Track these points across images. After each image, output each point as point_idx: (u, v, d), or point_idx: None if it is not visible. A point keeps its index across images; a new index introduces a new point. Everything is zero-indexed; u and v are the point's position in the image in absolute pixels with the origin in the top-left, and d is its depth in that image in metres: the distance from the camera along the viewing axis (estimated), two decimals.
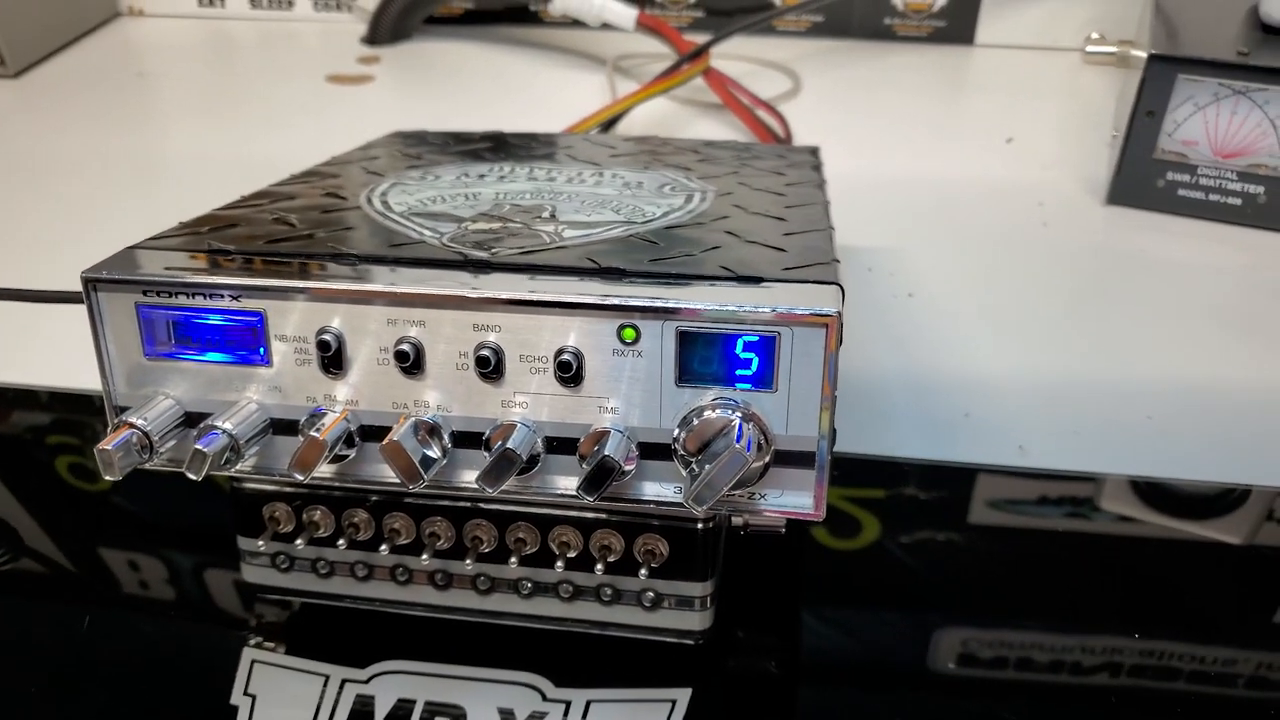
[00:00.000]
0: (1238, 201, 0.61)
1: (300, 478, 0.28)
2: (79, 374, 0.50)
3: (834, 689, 0.35)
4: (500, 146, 0.48)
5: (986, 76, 0.89)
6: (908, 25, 0.94)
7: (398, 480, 0.28)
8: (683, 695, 0.34)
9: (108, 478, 0.28)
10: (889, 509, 0.43)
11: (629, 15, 0.78)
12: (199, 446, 0.27)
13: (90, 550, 0.42)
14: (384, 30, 0.94)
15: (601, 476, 0.27)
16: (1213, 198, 0.61)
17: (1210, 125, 0.59)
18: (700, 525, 0.32)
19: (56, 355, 0.51)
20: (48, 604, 0.40)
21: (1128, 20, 0.80)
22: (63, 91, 0.86)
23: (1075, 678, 0.35)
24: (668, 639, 0.33)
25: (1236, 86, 0.58)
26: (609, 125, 0.70)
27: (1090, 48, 0.76)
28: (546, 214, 0.35)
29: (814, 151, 0.50)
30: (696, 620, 0.33)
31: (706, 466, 0.27)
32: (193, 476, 0.28)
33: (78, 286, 0.29)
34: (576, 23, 0.83)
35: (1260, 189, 0.60)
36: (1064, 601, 0.38)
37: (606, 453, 0.27)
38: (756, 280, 0.28)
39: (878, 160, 0.73)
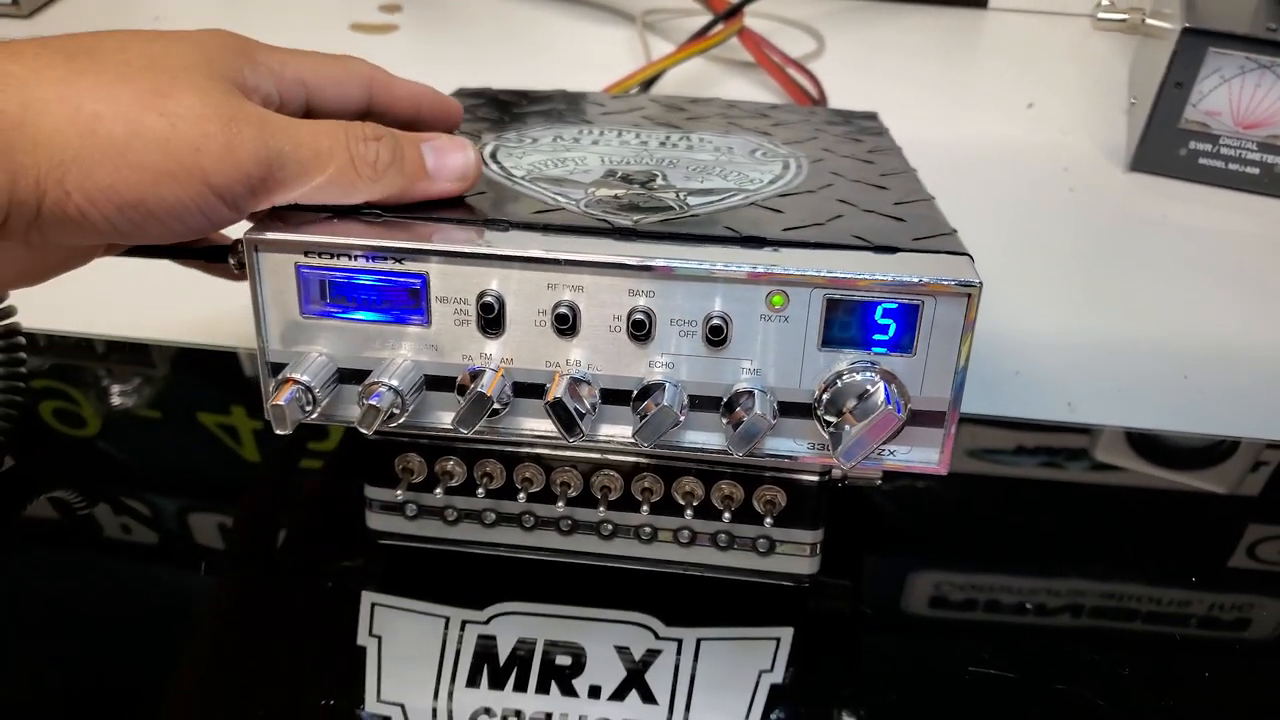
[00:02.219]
0: (1256, 171, 0.64)
1: (465, 432, 0.29)
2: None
3: (917, 630, 0.38)
4: (574, 107, 0.49)
5: (1001, 40, 0.91)
6: None
7: (548, 434, 0.30)
8: (785, 634, 0.36)
9: (279, 432, 0.29)
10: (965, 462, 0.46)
11: None
12: (371, 402, 0.29)
13: (208, 501, 0.43)
14: None
15: (749, 436, 0.29)
16: (1232, 167, 0.64)
17: (1234, 97, 0.62)
18: (817, 478, 0.34)
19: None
20: (174, 552, 0.41)
21: None
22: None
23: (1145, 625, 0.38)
24: (779, 582, 0.36)
25: (1263, 60, 0.60)
26: (647, 85, 0.71)
27: (1101, 14, 0.78)
28: (660, 181, 0.36)
29: (873, 117, 0.51)
30: (806, 565, 0.35)
31: (847, 429, 0.29)
32: (364, 431, 0.29)
33: None
34: None
35: (1278, 159, 0.63)
36: (1123, 546, 0.42)
37: (756, 411, 0.29)
38: (892, 249, 0.30)
39: (905, 123, 0.74)
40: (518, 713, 0.34)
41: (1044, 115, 0.77)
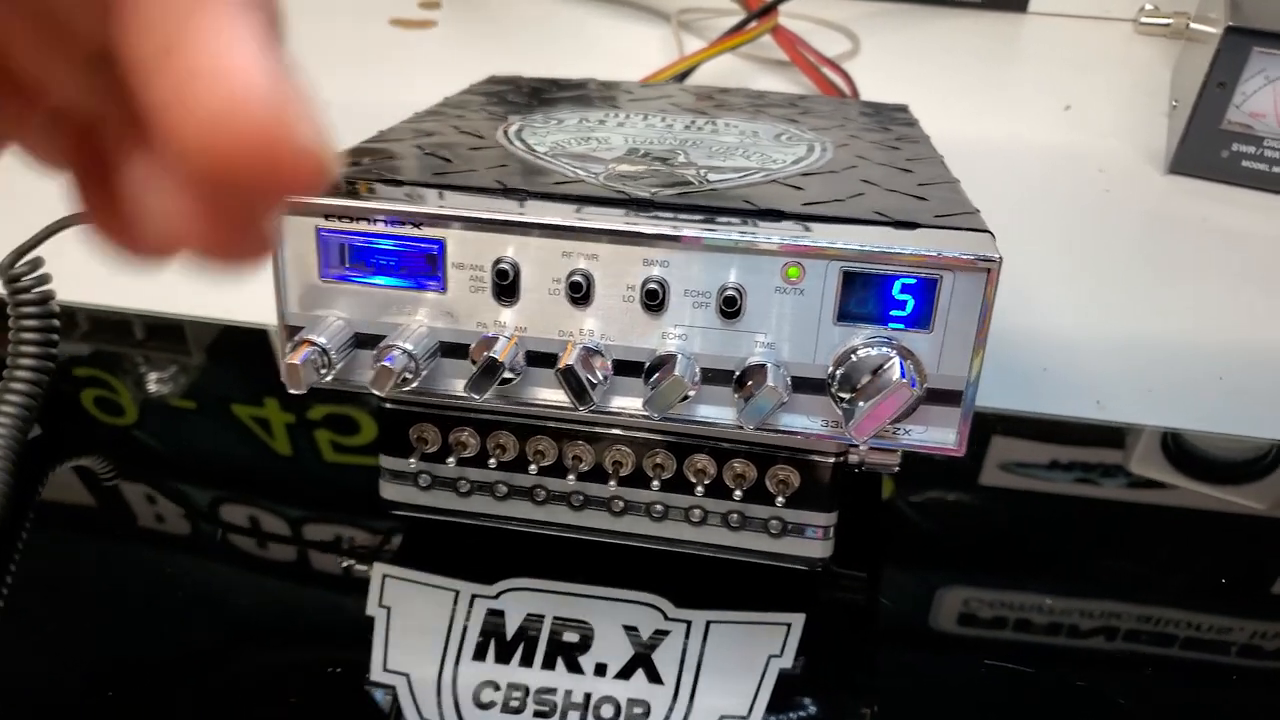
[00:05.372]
0: None
1: (477, 398, 0.30)
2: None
3: (931, 622, 0.37)
4: (605, 93, 0.49)
5: (1040, 44, 0.90)
6: None
7: (560, 404, 0.30)
8: (797, 620, 0.36)
9: (293, 391, 0.29)
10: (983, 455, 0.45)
11: None
12: (385, 364, 0.29)
13: (239, 492, 0.44)
14: None
15: (761, 410, 0.29)
16: (1276, 170, 0.63)
17: (1279, 98, 0.61)
18: (832, 459, 0.33)
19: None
20: (203, 540, 0.41)
21: None
22: None
23: (1178, 651, 0.37)
24: (791, 565, 0.35)
25: None
26: (680, 79, 0.71)
27: (1144, 18, 0.77)
28: (682, 159, 0.36)
29: (904, 109, 0.51)
30: (819, 549, 0.35)
31: (861, 404, 0.28)
32: (377, 393, 0.29)
33: None
34: None
35: None
36: (1150, 546, 0.41)
37: (769, 385, 0.29)
38: (911, 225, 0.30)
39: (940, 123, 0.74)
40: (523, 687, 0.33)
41: (1083, 118, 0.76)
